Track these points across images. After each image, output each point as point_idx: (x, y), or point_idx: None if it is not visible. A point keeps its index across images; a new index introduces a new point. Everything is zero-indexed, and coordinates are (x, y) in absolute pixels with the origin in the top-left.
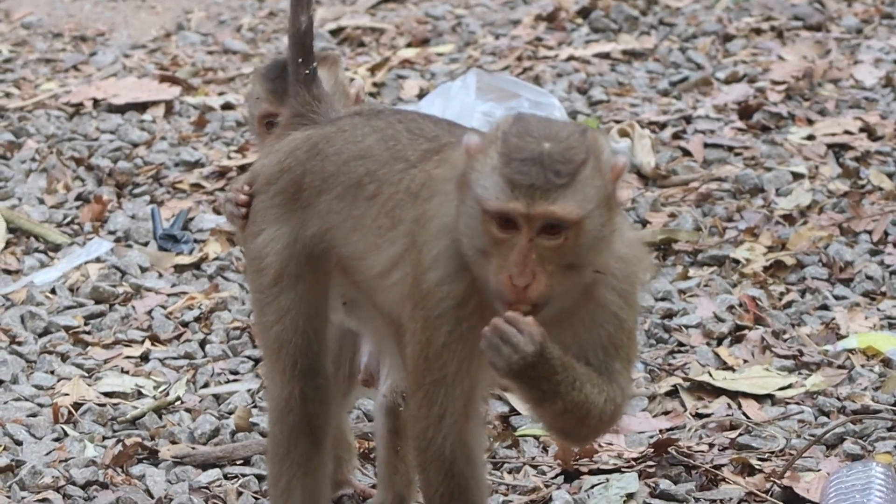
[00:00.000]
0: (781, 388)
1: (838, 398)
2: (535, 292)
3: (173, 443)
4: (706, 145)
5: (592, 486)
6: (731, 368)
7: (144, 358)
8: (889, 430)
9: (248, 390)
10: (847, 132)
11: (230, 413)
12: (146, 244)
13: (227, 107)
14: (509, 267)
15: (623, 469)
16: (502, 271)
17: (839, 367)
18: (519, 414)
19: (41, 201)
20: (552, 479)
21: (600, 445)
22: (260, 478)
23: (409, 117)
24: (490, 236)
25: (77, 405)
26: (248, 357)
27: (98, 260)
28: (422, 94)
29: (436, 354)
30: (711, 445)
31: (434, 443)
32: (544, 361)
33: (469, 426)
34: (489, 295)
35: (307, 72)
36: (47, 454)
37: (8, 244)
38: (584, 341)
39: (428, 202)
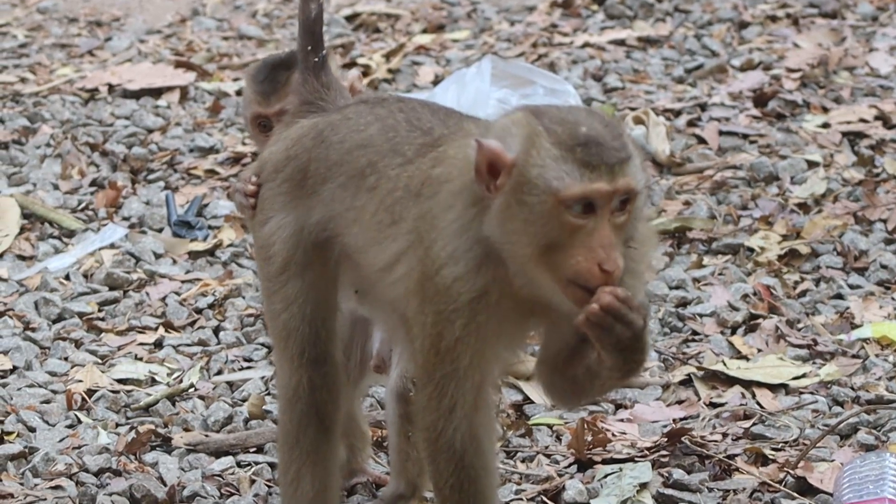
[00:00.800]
0: (795, 378)
1: (852, 388)
2: (618, 273)
3: (186, 430)
4: (721, 133)
5: (605, 476)
6: (745, 357)
7: (158, 345)
8: None
9: (262, 377)
10: (862, 120)
11: (243, 400)
12: (160, 230)
13: (242, 93)
14: (594, 252)
15: (636, 458)
16: (585, 258)
17: (853, 356)
18: (532, 403)
19: (56, 187)
20: (565, 468)
21: (614, 435)
22: (273, 466)
23: (410, 106)
24: (564, 226)
25: (90, 392)
26: (262, 344)
27: (112, 246)
28: (437, 81)
29: (448, 348)
30: (725, 435)
31: (444, 434)
32: (645, 333)
33: (479, 417)
34: (553, 290)
35: (316, 59)
36: (60, 441)
37: (22, 230)
38: None
39: (431, 200)
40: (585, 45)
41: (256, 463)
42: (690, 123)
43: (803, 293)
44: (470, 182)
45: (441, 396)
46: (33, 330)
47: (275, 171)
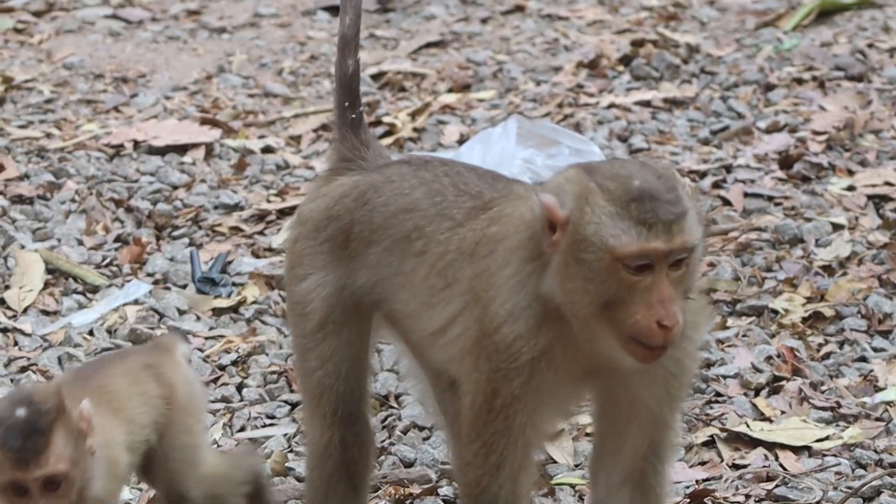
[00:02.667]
0: (819, 440)
1: (875, 451)
2: (678, 329)
3: None
4: (746, 195)
5: None
6: (769, 419)
7: None
8: None
9: (285, 435)
10: (887, 183)
11: (266, 457)
12: (184, 287)
13: (268, 150)
14: (654, 309)
15: None
16: (644, 316)
17: (877, 419)
18: (555, 462)
19: (80, 242)
20: None
21: None
22: None
23: (455, 170)
24: (622, 284)
25: None
26: (285, 401)
27: (136, 302)
28: (462, 140)
29: (503, 405)
30: (748, 496)
31: (488, 491)
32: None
33: (523, 476)
34: (610, 349)
35: (354, 116)
36: None
37: (46, 285)
38: (657, 394)
39: (488, 258)
40: (611, 105)
41: None
42: (715, 185)
43: (827, 356)
44: (527, 240)
45: (489, 453)
46: None
47: (315, 229)
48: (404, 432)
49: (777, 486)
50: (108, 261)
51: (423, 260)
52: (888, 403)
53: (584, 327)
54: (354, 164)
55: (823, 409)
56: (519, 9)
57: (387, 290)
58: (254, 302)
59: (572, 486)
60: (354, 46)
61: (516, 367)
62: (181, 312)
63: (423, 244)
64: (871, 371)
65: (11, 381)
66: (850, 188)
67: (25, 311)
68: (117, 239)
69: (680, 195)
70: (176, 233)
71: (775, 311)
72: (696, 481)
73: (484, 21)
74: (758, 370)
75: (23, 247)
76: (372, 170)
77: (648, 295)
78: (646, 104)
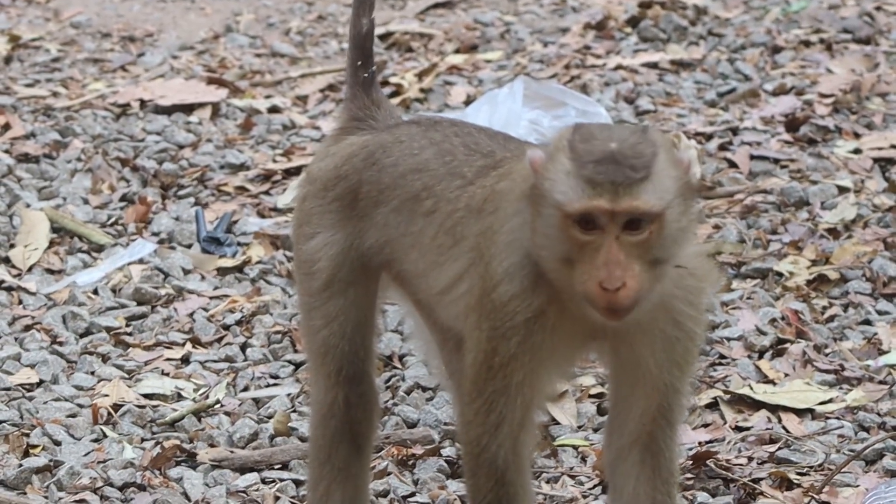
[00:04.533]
0: (822, 403)
1: (879, 414)
2: (627, 294)
3: (212, 446)
4: (752, 157)
5: None
6: (772, 382)
7: (185, 360)
8: None
9: (288, 395)
10: (894, 146)
11: (269, 417)
12: (189, 246)
13: (274, 110)
14: (598, 271)
15: None
16: (590, 277)
17: (880, 382)
18: (558, 423)
19: (86, 201)
20: (590, 489)
21: None
22: (298, 483)
23: (466, 131)
24: (573, 242)
25: (116, 406)
26: (289, 361)
27: (141, 261)
28: (469, 101)
29: (502, 364)
30: (750, 459)
31: (488, 450)
32: None
33: (523, 436)
34: (578, 305)
35: (366, 75)
36: (86, 455)
37: (51, 244)
38: (661, 359)
39: (493, 215)
40: (618, 67)
41: (281, 480)
42: (722, 147)
43: (831, 318)
44: (524, 197)
45: (489, 412)
46: (60, 344)
47: (324, 188)
48: (407, 393)
49: (780, 448)
50: (113, 220)
51: (432, 219)
52: (892, 366)
53: (556, 284)
54: (364, 123)
55: (827, 371)
56: None
57: (396, 250)
58: (259, 262)
59: (575, 447)
60: (370, 5)
61: (513, 326)
62: (186, 272)
63: (432, 203)
64: (875, 334)
65: (15, 339)
66: (857, 151)
67: (30, 269)
68: (123, 198)
69: (647, 163)
70: (181, 192)
71: (780, 274)
72: (699, 443)
73: None
74: (762, 333)
75: (28, 205)
76: (381, 130)
77: (595, 256)
78: (653, 66)
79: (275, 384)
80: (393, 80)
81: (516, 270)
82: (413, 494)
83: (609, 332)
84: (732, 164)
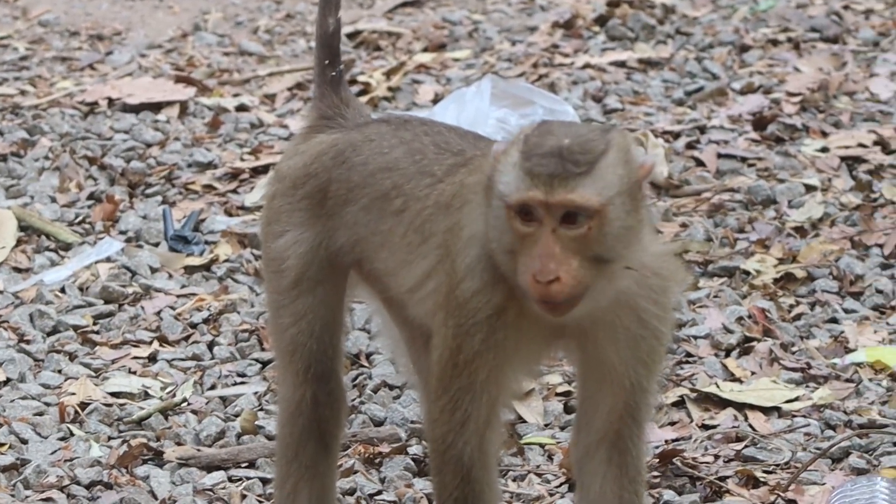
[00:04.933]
0: (788, 401)
1: (845, 412)
2: (560, 288)
3: (179, 444)
4: (719, 156)
5: None
6: (739, 380)
7: (152, 359)
8: (895, 444)
9: (255, 393)
10: (861, 145)
11: (236, 416)
12: (157, 245)
13: (242, 108)
14: (532, 262)
15: None
16: (527, 269)
17: (847, 380)
18: (525, 422)
19: (53, 200)
20: (556, 487)
21: None
22: (265, 481)
23: (436, 129)
24: (516, 233)
25: (83, 405)
26: (256, 360)
27: (108, 260)
28: (437, 100)
29: (466, 361)
30: (717, 457)
31: (454, 447)
32: None
33: (489, 434)
34: (524, 298)
35: (334, 73)
36: (52, 453)
37: (19, 242)
38: (626, 357)
39: (460, 211)
40: (586, 66)
41: (248, 478)
42: (689, 146)
43: (798, 317)
44: (483, 187)
45: (455, 409)
46: (27, 342)
47: (293, 186)
48: (375, 391)
49: (746, 446)
50: (80, 218)
51: (401, 218)
52: (858, 365)
53: (508, 279)
54: (334, 122)
55: (794, 370)
56: None
57: (365, 249)
58: (226, 260)
59: (541, 445)
60: (336, 5)
61: (476, 323)
62: (153, 270)
63: (402, 202)
64: (842, 332)
65: None
66: (824, 150)
67: None
68: (90, 196)
69: (592, 159)
70: (149, 191)
71: (747, 273)
72: (666, 441)
73: None
74: (729, 331)
75: None
76: (351, 128)
77: (532, 248)
78: (621, 65)
79: (242, 382)
80: (361, 78)
81: (476, 266)
82: (380, 493)
83: (574, 331)
84: (700, 163)
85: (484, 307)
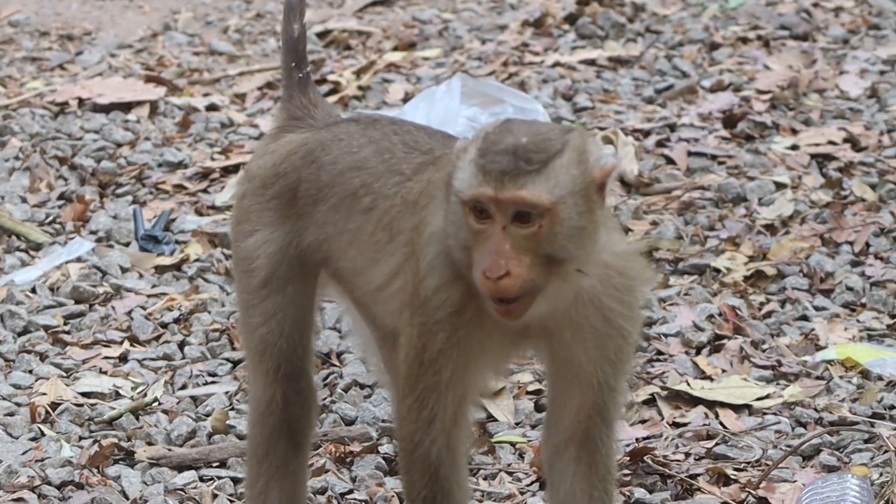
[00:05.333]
0: (759, 399)
1: (816, 409)
2: (510, 284)
3: (149, 444)
4: (690, 154)
5: None
6: (709, 378)
7: (123, 358)
8: (865, 442)
9: (226, 392)
10: (831, 142)
11: (207, 415)
12: (127, 244)
13: (212, 108)
14: (483, 259)
15: None
16: (478, 265)
17: (817, 378)
18: (496, 420)
19: (23, 200)
20: (527, 486)
21: None
22: (236, 480)
23: (405, 129)
24: (470, 229)
25: (54, 405)
26: (227, 359)
27: (79, 260)
28: (407, 98)
29: (431, 360)
30: (688, 455)
31: (421, 446)
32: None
33: (457, 432)
34: (481, 298)
35: (301, 76)
36: (23, 453)
37: None
38: (593, 356)
39: (426, 208)
40: (556, 64)
41: (219, 477)
42: (659, 144)
43: (768, 314)
44: (444, 183)
45: (421, 408)
46: None
47: (263, 185)
48: (345, 390)
49: (717, 444)
50: (51, 218)
51: (369, 216)
52: (829, 362)
53: (466, 276)
54: (303, 122)
55: (764, 367)
56: None
57: (334, 248)
58: (196, 260)
59: (512, 444)
60: (300, 11)
61: (438, 321)
62: (124, 270)
63: (370, 201)
64: (813, 330)
65: None
66: (794, 147)
67: None
68: (61, 196)
69: (545, 158)
70: (119, 190)
71: (717, 270)
72: (637, 439)
73: None
74: (699, 329)
75: None
76: (320, 128)
77: (484, 244)
78: (591, 63)
79: (213, 382)
80: (331, 77)
81: (436, 263)
82: (351, 492)
83: (540, 330)
84: (670, 161)
85: (443, 305)
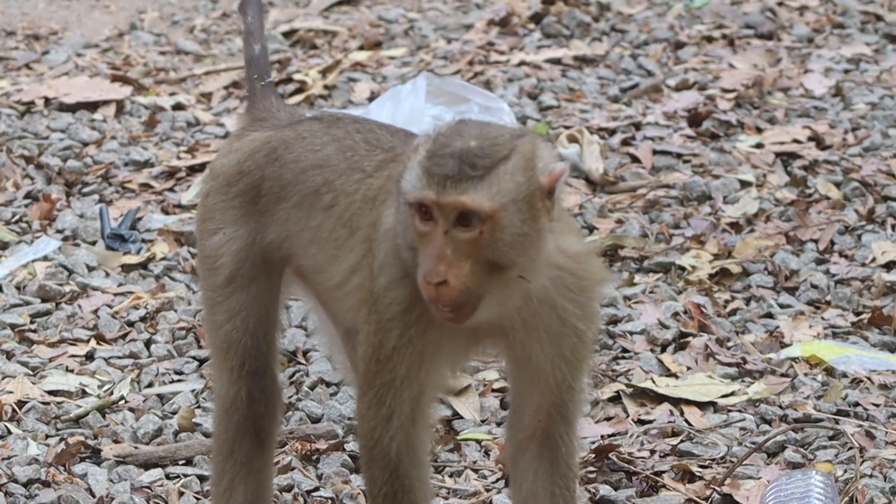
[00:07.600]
0: (724, 396)
1: (780, 406)
2: (448, 292)
3: (116, 442)
4: (655, 152)
5: None
6: (675, 375)
7: (89, 357)
8: (830, 439)
9: (192, 391)
10: (795, 141)
11: (174, 413)
12: (94, 243)
13: (178, 107)
14: (425, 262)
15: None
16: (421, 268)
17: (782, 375)
18: (461, 418)
19: None
20: (493, 483)
21: None
22: (202, 478)
23: (368, 127)
24: (416, 231)
25: (21, 403)
26: (193, 357)
27: (45, 258)
28: (372, 97)
29: (386, 357)
30: (653, 452)
31: (381, 443)
32: None
33: (416, 429)
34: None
35: (263, 83)
36: None
37: None
38: (550, 355)
39: (383, 205)
40: (521, 63)
41: (185, 475)
42: (625, 142)
43: (734, 312)
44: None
45: (379, 405)
46: None
47: (227, 184)
48: (311, 388)
49: (682, 441)
50: (17, 217)
51: (330, 213)
52: (793, 360)
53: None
54: (267, 122)
55: (729, 365)
56: None
57: (295, 245)
58: (163, 258)
59: (478, 441)
60: (259, 34)
61: (391, 318)
62: (90, 269)
63: (331, 198)
64: (777, 327)
65: None
66: (759, 146)
67: None
68: (27, 195)
69: (489, 164)
70: (86, 189)
71: (682, 268)
72: (602, 437)
73: None
74: (664, 326)
75: None
76: (284, 126)
77: (427, 248)
78: (556, 62)
79: (179, 380)
80: (297, 77)
81: (388, 260)
82: (317, 489)
83: (493, 330)
84: (635, 159)
85: (394, 303)
